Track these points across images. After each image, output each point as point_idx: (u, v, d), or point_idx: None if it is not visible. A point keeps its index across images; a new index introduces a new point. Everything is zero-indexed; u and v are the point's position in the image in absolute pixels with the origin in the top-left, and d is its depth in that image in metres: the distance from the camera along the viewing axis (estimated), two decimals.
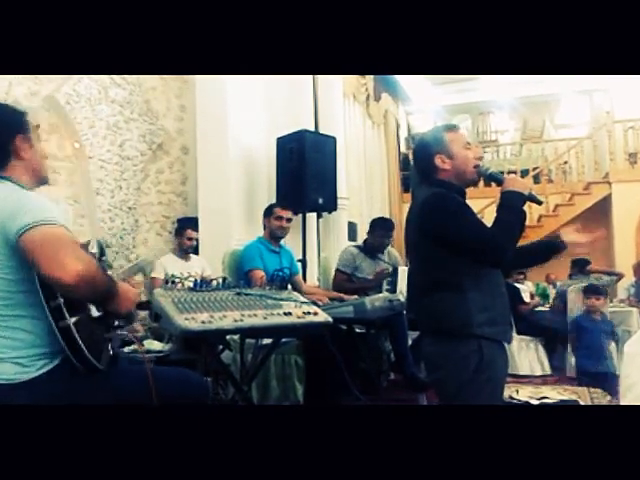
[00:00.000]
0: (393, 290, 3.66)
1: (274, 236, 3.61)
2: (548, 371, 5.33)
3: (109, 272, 1.70)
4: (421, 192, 1.98)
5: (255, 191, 5.07)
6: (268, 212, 3.61)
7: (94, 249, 1.63)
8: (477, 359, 1.79)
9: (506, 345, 1.94)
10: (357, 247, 4.22)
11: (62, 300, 1.37)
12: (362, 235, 6.73)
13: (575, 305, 5.24)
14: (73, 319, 1.37)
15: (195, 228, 4.43)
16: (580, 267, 6.01)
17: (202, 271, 4.28)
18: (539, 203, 1.99)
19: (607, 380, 3.91)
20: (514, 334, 5.26)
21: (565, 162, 9.73)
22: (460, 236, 1.81)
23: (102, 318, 1.47)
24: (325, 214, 5.18)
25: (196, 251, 4.45)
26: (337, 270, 4.13)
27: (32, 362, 1.41)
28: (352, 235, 6.10)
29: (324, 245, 5.58)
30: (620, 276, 6.81)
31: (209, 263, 4.41)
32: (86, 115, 4.37)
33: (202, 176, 4.74)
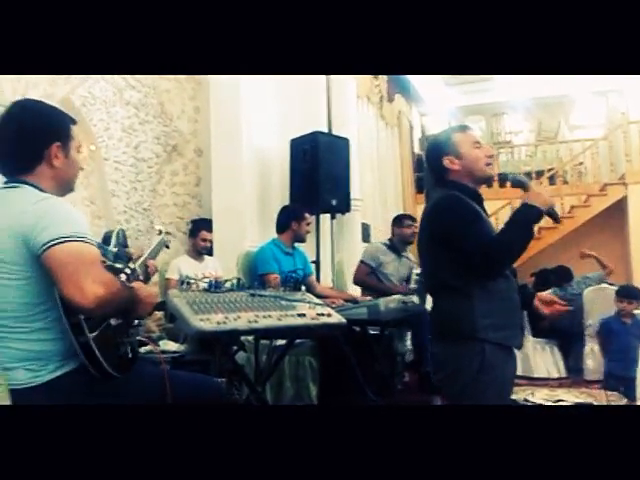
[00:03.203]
0: (419, 290, 3.65)
1: (299, 240, 3.63)
2: (564, 374, 5.29)
3: (127, 252, 1.70)
4: (434, 194, 2.00)
5: (268, 192, 5.08)
6: (299, 217, 3.57)
7: (113, 240, 1.62)
8: (479, 362, 1.80)
9: (516, 350, 1.94)
10: (384, 244, 4.23)
11: (82, 316, 1.36)
12: (375, 236, 6.73)
13: (593, 307, 5.19)
14: (93, 334, 1.37)
15: (209, 229, 4.44)
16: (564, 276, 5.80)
17: (216, 272, 4.30)
18: (556, 220, 1.98)
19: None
20: (529, 337, 5.24)
21: (580, 163, 9.65)
22: (460, 241, 1.83)
23: (121, 324, 1.48)
24: (339, 215, 5.19)
25: (210, 252, 4.47)
26: (361, 262, 4.14)
27: (44, 366, 1.40)
28: (366, 236, 6.09)
29: (338, 246, 5.58)
30: (609, 270, 6.48)
31: (223, 264, 4.44)
32: (101, 117, 4.41)
33: (216, 178, 4.76)
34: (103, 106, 4.42)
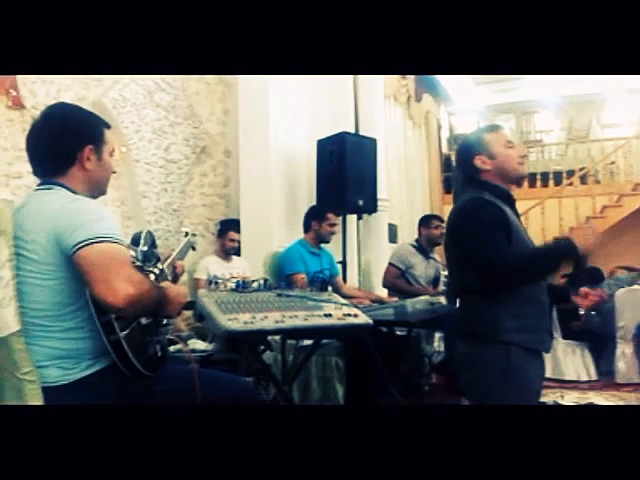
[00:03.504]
0: (448, 293, 3.63)
1: (322, 240, 3.63)
2: (594, 377, 5.19)
3: (156, 253, 1.73)
4: (463, 195, 1.99)
5: (295, 193, 5.10)
6: (320, 216, 3.59)
7: (142, 240, 1.65)
8: (505, 365, 1.79)
9: (544, 353, 1.92)
10: (412, 245, 4.21)
11: (113, 315, 1.39)
12: (402, 237, 6.71)
13: (625, 308, 5.09)
14: (124, 333, 1.40)
15: (237, 230, 4.49)
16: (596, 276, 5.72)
17: (243, 272, 4.34)
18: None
19: None
20: (560, 339, 5.16)
21: (612, 162, 9.46)
22: (473, 248, 1.83)
23: (150, 323, 1.51)
24: (365, 216, 5.18)
25: (238, 252, 4.52)
26: (390, 264, 4.13)
27: (75, 365, 1.43)
28: (392, 237, 6.07)
29: (364, 247, 5.57)
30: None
31: (250, 264, 4.48)
32: (132, 119, 4.49)
33: (244, 179, 4.81)
34: (134, 108, 4.49)
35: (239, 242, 4.47)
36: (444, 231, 4.24)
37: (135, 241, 1.67)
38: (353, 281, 4.73)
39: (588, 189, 8.44)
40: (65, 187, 1.51)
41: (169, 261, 1.75)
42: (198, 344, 2.54)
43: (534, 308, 1.87)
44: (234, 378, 1.83)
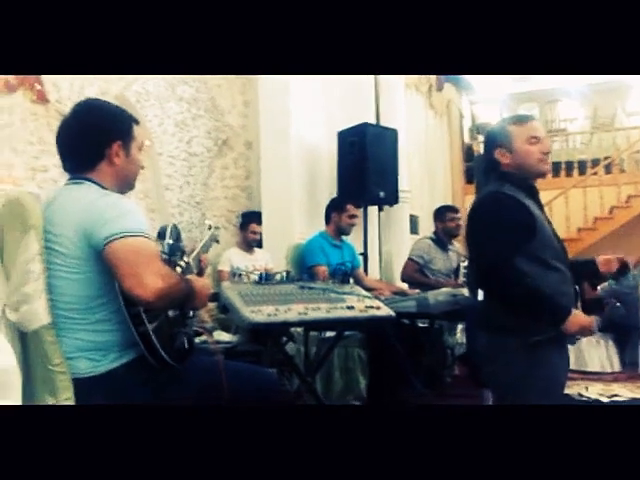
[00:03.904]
0: (470, 283, 3.61)
1: (342, 232, 3.64)
2: (618, 368, 5.15)
3: (181, 246, 1.75)
4: (485, 186, 1.98)
5: (317, 184, 5.11)
6: (339, 208, 3.59)
7: (168, 234, 1.67)
8: (528, 357, 1.78)
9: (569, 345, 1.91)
10: (431, 239, 4.19)
11: (142, 308, 1.41)
12: (424, 228, 6.67)
13: None
14: (152, 325, 1.42)
15: (259, 222, 4.52)
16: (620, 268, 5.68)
17: (266, 264, 4.37)
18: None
19: None
20: None
21: (638, 151, 9.29)
22: (481, 246, 1.83)
23: (177, 315, 1.53)
24: (386, 207, 5.17)
25: (260, 244, 4.55)
26: (409, 259, 4.11)
27: (104, 356, 1.46)
28: (414, 228, 6.05)
29: (385, 238, 5.57)
30: None
31: (272, 256, 4.51)
32: (155, 113, 4.52)
33: (265, 171, 4.83)
34: (157, 102, 4.53)
35: (261, 234, 4.49)
36: (460, 222, 4.24)
37: (161, 235, 1.69)
38: (374, 273, 4.73)
39: (613, 178, 8.30)
40: (94, 182, 1.53)
41: (194, 254, 1.78)
42: (223, 335, 2.57)
43: (562, 299, 1.83)
44: (258, 369, 1.85)
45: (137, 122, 1.65)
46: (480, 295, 1.97)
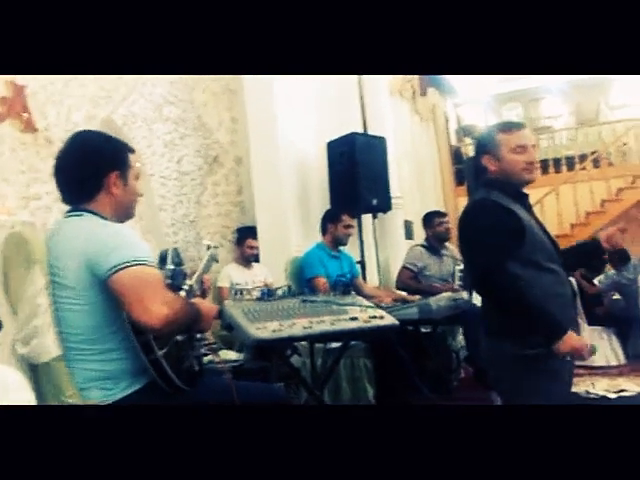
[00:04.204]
0: (466, 284, 3.62)
1: (339, 243, 3.64)
2: (623, 361, 5.16)
3: (183, 270, 1.75)
4: (475, 192, 2.00)
5: (309, 195, 5.11)
6: (335, 218, 3.60)
7: (169, 258, 1.66)
8: (531, 359, 1.77)
9: None
10: (423, 246, 4.20)
11: (151, 335, 1.41)
12: (418, 233, 6.69)
13: None
14: (162, 351, 1.42)
15: (254, 237, 4.51)
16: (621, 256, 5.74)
17: (265, 278, 4.36)
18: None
19: None
20: (585, 325, 5.12)
21: (625, 144, 9.38)
22: (472, 253, 1.86)
23: (186, 339, 1.53)
24: (380, 214, 5.18)
25: (257, 259, 4.54)
26: (404, 267, 4.12)
27: (115, 385, 1.46)
28: (409, 233, 6.07)
29: (381, 245, 5.57)
30: None
31: (270, 270, 4.50)
32: (144, 134, 4.52)
33: (257, 185, 4.83)
34: (144, 123, 4.53)
35: (258, 248, 4.49)
36: (449, 225, 4.25)
37: (162, 259, 1.69)
38: (373, 280, 4.73)
39: (602, 172, 8.38)
40: (94, 213, 1.53)
41: (196, 276, 1.77)
42: (229, 354, 2.56)
43: (555, 300, 1.85)
44: (266, 387, 1.85)
45: (133, 150, 1.66)
46: (477, 299, 1.98)
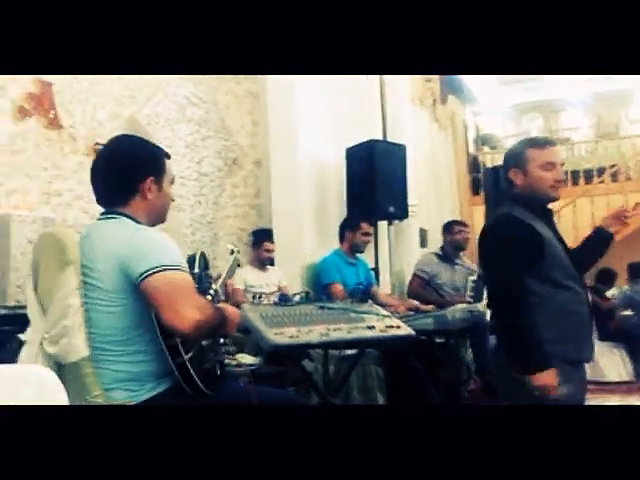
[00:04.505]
0: (477, 297, 3.63)
1: (357, 250, 3.66)
2: (633, 377, 5.14)
3: (211, 277, 1.78)
4: (499, 208, 2.01)
5: (326, 201, 5.14)
6: (354, 226, 3.62)
7: (196, 263, 1.69)
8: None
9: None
10: (436, 254, 4.21)
11: (179, 339, 1.44)
12: (432, 241, 6.69)
13: None
14: (188, 355, 1.45)
15: (271, 240, 4.54)
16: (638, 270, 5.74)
17: (279, 282, 4.39)
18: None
19: None
20: (596, 340, 5.11)
21: None
22: (490, 266, 1.89)
23: (210, 343, 1.56)
24: (396, 221, 5.20)
25: (272, 262, 4.57)
26: (414, 274, 4.13)
27: (140, 386, 1.49)
28: (423, 242, 6.08)
29: (396, 252, 5.58)
30: None
31: (284, 273, 4.53)
32: (166, 135, 4.57)
33: (275, 189, 4.87)
34: (167, 124, 4.58)
35: (274, 252, 4.52)
36: (468, 236, 4.25)
37: (190, 264, 1.72)
38: (385, 287, 4.74)
39: (620, 186, 8.32)
40: (128, 217, 1.56)
41: (221, 281, 1.80)
42: (246, 358, 2.58)
43: (571, 318, 1.87)
44: (284, 393, 1.87)
45: (169, 156, 1.69)
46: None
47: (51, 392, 1.13)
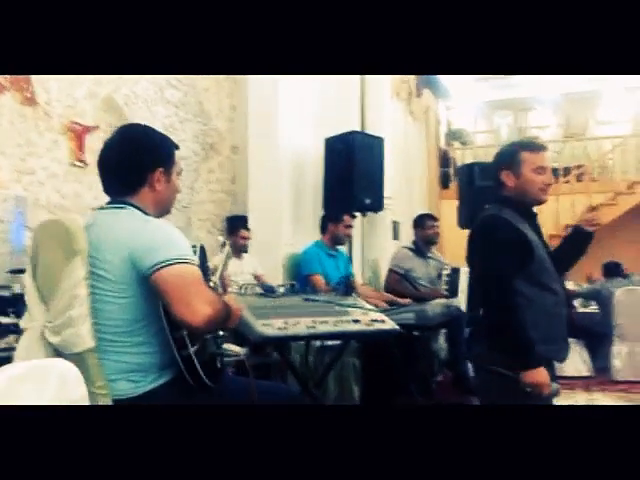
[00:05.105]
0: (452, 291, 3.69)
1: (338, 242, 3.68)
2: (591, 373, 5.32)
3: (208, 266, 1.77)
4: (487, 209, 2.04)
5: (302, 190, 5.15)
6: (337, 219, 3.63)
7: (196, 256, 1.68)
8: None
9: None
10: (409, 248, 4.26)
11: (185, 332, 1.44)
12: (404, 233, 6.77)
13: (623, 308, 5.22)
14: (194, 347, 1.45)
15: (247, 227, 4.52)
16: (611, 270, 5.94)
17: (254, 270, 4.38)
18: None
19: None
20: None
21: (610, 159, 9.58)
22: (481, 266, 1.92)
23: (212, 336, 1.56)
24: (369, 213, 5.23)
25: (247, 249, 4.55)
26: (391, 270, 4.17)
27: (143, 377, 1.48)
28: (396, 234, 6.14)
29: (368, 244, 5.64)
30: None
31: (259, 261, 4.53)
32: (143, 115, 4.49)
33: (252, 175, 4.85)
34: (145, 105, 4.50)
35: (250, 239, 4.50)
36: (438, 230, 4.31)
37: None
38: (358, 277, 4.79)
39: (585, 186, 8.55)
40: (136, 207, 1.54)
41: (218, 274, 1.80)
42: (232, 347, 2.57)
43: (553, 320, 1.93)
44: (280, 386, 1.89)
45: (178, 147, 1.67)
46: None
47: (72, 386, 1.11)
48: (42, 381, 1.05)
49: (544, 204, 2.02)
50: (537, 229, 2.03)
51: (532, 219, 2.02)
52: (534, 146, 2.01)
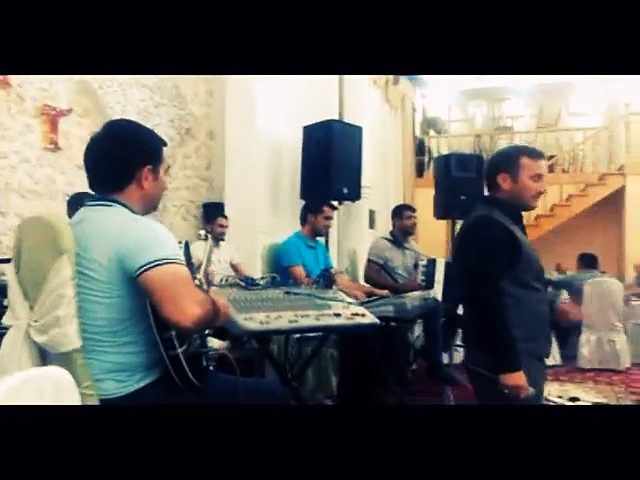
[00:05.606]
0: (429, 282, 3.71)
1: (318, 233, 3.67)
2: (559, 362, 5.44)
3: (193, 263, 1.75)
4: (476, 209, 2.06)
5: (279, 178, 5.12)
6: (317, 210, 3.61)
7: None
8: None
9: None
10: (386, 239, 4.27)
11: (174, 332, 1.42)
12: (380, 222, 6.80)
13: (591, 298, 5.35)
14: (182, 348, 1.43)
15: (224, 215, 4.49)
16: (587, 262, 6.08)
17: (231, 258, 4.35)
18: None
19: None
20: None
21: (581, 149, 9.74)
22: (470, 265, 1.93)
23: (198, 335, 1.54)
24: (346, 202, 5.23)
25: (224, 238, 4.52)
26: (369, 260, 4.19)
27: (129, 377, 1.46)
28: (372, 223, 6.16)
29: (345, 233, 5.65)
30: None
31: (235, 248, 4.51)
32: (118, 99, 4.40)
33: (229, 161, 4.80)
34: (119, 88, 4.41)
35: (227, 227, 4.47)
36: (416, 221, 4.35)
37: None
38: (335, 266, 4.80)
39: (556, 177, 8.68)
40: (123, 205, 1.51)
41: (202, 270, 1.77)
42: (213, 342, 2.55)
43: (537, 317, 1.97)
44: (268, 383, 1.88)
45: (165, 144, 1.63)
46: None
47: (66, 392, 1.09)
48: (38, 390, 1.03)
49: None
50: (524, 230, 2.06)
51: (519, 221, 2.06)
52: (535, 153, 2.02)
